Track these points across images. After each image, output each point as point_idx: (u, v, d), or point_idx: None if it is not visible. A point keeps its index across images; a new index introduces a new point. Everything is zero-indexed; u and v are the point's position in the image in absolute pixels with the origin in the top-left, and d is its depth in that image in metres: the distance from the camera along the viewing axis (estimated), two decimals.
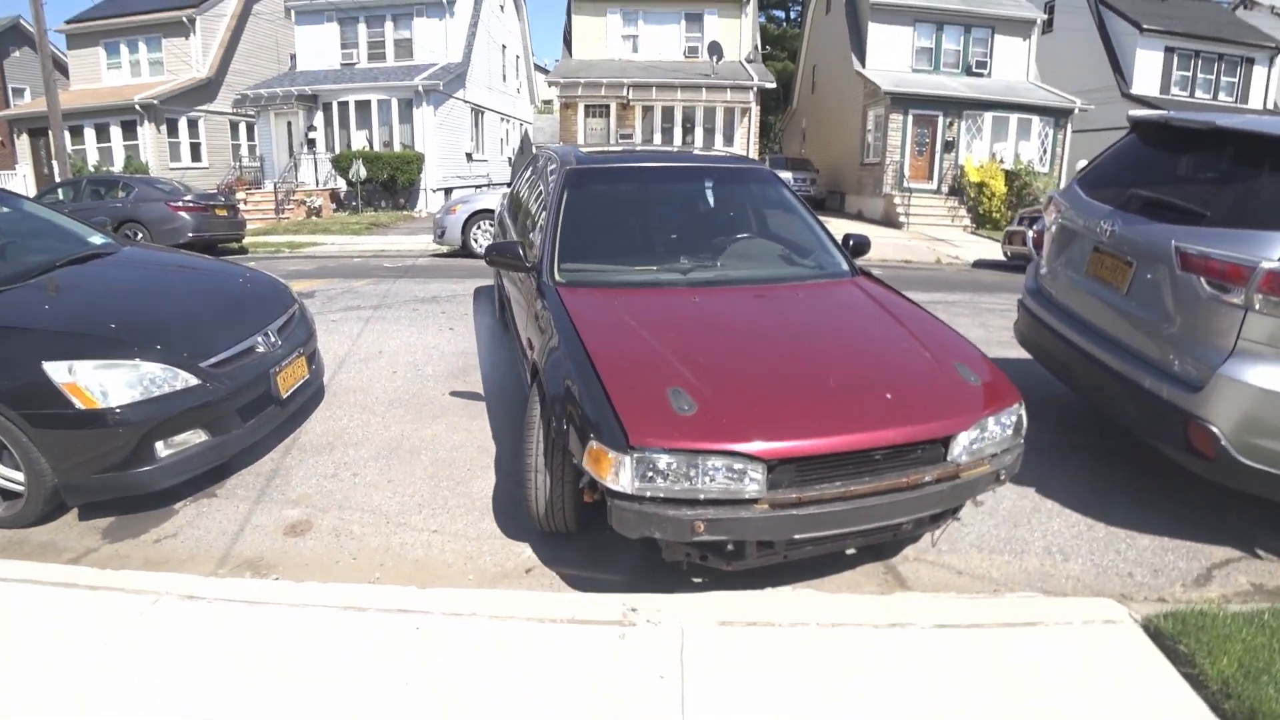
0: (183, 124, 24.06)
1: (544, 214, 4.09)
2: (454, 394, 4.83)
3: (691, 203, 4.65)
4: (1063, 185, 21.34)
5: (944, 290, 9.60)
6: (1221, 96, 24.03)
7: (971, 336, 6.79)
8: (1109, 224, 3.81)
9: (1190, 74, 23.70)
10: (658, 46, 23.11)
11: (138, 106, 22.37)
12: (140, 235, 12.15)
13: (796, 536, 2.55)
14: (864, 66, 22.38)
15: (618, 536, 2.55)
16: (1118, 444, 4.31)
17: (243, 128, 26.27)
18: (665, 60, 22.83)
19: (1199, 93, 23.87)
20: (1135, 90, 23.40)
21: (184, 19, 23.86)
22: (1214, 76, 23.88)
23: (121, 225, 11.77)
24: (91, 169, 21.36)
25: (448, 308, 7.28)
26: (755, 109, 21.70)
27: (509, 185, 7.13)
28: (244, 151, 26.21)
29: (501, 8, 27.36)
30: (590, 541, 3.13)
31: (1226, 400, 3.02)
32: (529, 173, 5.59)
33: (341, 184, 21.27)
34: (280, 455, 3.90)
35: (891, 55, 22.38)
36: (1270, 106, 24.34)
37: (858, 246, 4.23)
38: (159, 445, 3.19)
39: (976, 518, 3.51)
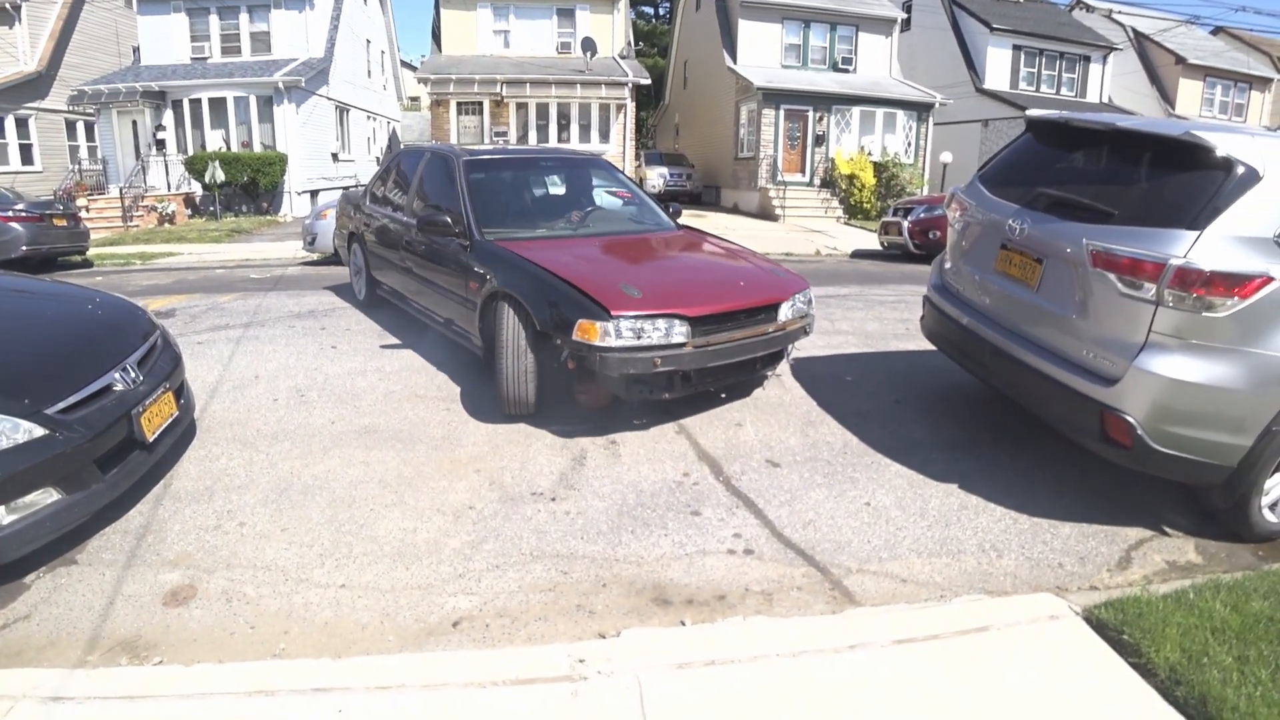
0: (9, 122, 21.64)
1: (441, 196, 5.56)
2: (343, 425, 4.43)
3: (557, 184, 6.32)
4: (926, 175, 22.52)
5: (832, 283, 9.78)
6: (1063, 91, 25.90)
7: (867, 330, 7.01)
8: (1018, 222, 3.88)
9: (1036, 70, 25.41)
10: (530, 42, 22.67)
11: None
12: None
13: (708, 365, 4.11)
14: (735, 62, 22.74)
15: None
16: (1026, 432, 4.43)
17: (81, 127, 23.94)
18: (539, 56, 22.43)
19: (1044, 88, 25.62)
20: (988, 85, 24.87)
21: (6, 5, 21.42)
22: (1056, 73, 25.70)
23: None
24: None
25: (327, 322, 6.73)
26: (630, 105, 21.65)
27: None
28: (84, 154, 23.88)
29: (365, 1, 26.14)
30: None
31: (1141, 391, 3.10)
32: (399, 165, 6.79)
33: (197, 188, 19.73)
34: (151, 506, 3.41)
35: (762, 51, 22.86)
36: (1105, 100, 26.43)
37: (677, 211, 6.11)
38: (0, 510, 2.70)
39: (909, 521, 3.49)
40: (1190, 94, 28.95)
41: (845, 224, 20.29)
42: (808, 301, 4.66)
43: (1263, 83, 30.84)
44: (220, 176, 18.48)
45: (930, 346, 6.22)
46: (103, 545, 3.14)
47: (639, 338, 3.88)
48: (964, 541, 3.38)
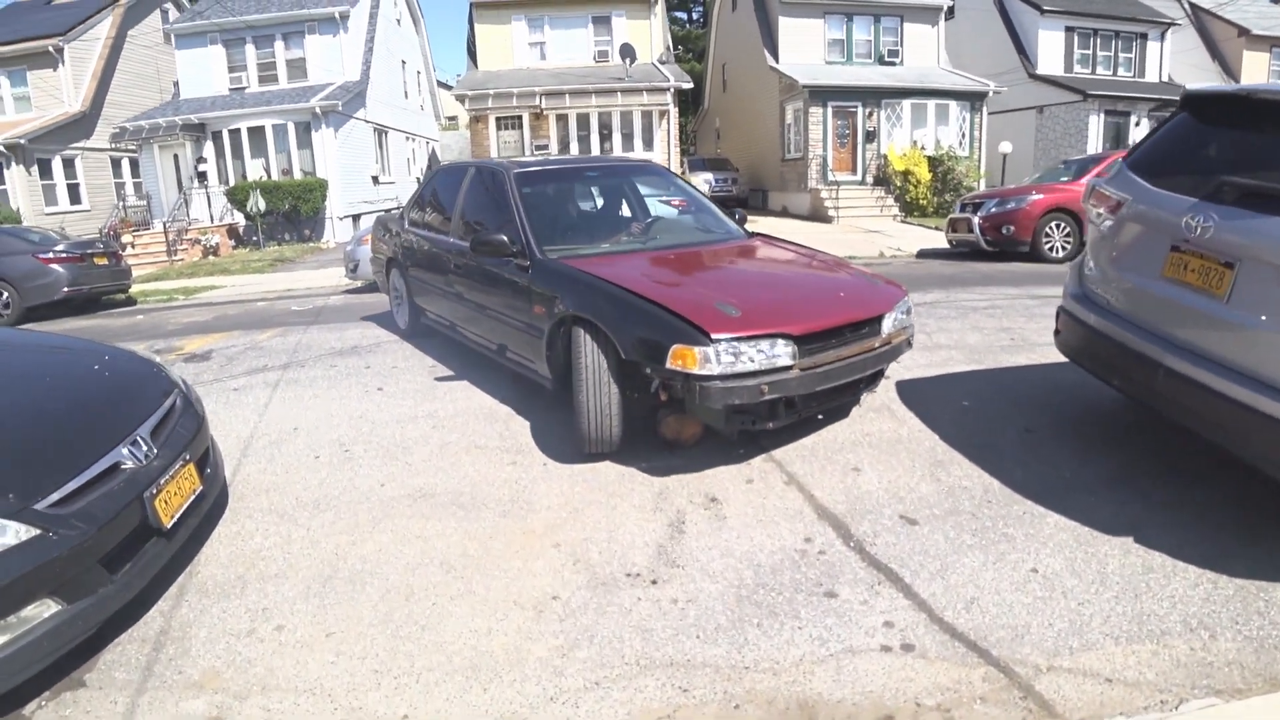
0: (57, 164, 21.93)
1: (490, 214, 5.18)
2: (394, 487, 3.84)
3: (612, 194, 5.87)
4: (983, 167, 21.50)
5: (912, 289, 9.00)
6: (1120, 72, 24.65)
7: (969, 343, 6.23)
8: (1197, 219, 3.14)
9: (1090, 52, 24.21)
10: (567, 52, 22.26)
11: (3, 148, 20.23)
12: (5, 296, 10.58)
13: (817, 389, 3.65)
14: (778, 61, 22.05)
15: None
16: (1191, 464, 3.67)
17: (125, 164, 24.19)
18: (576, 66, 21.98)
19: (1099, 69, 24.40)
20: (1040, 70, 23.77)
21: (50, 49, 21.76)
22: (1112, 53, 24.46)
23: None
24: None
25: (372, 360, 6.19)
26: (673, 111, 21.06)
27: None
28: (129, 190, 24.13)
29: (398, 21, 26.04)
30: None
31: None
32: (437, 185, 6.32)
33: (239, 218, 19.65)
34: (172, 604, 2.84)
35: (804, 48, 22.13)
36: (1165, 79, 25.08)
37: (743, 218, 5.64)
38: None
39: (1090, 593, 2.78)
40: (1256, 66, 27.36)
41: (902, 222, 19.39)
42: (908, 311, 4.21)
43: None
44: (261, 205, 18.33)
45: (1045, 360, 5.52)
46: (116, 660, 2.57)
47: (741, 362, 3.44)
48: (1164, 618, 2.65)
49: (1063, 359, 5.48)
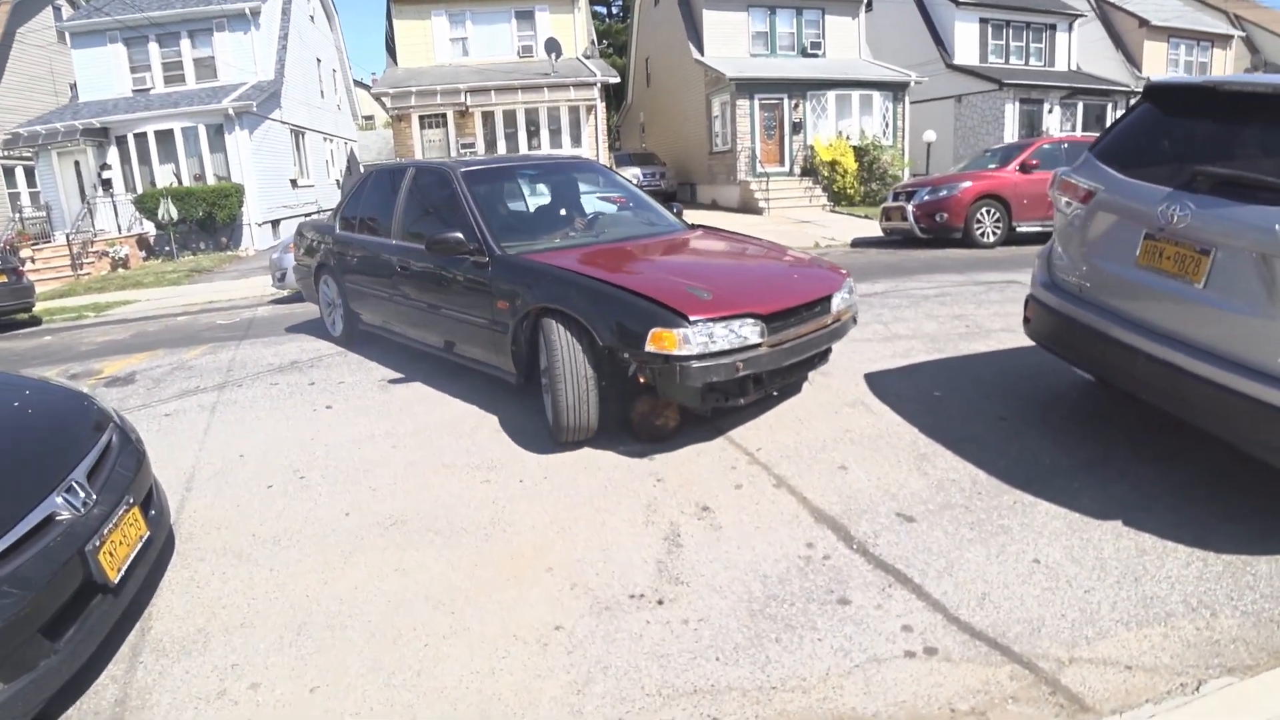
0: None
1: (437, 215, 5.18)
2: (361, 516, 3.56)
3: (556, 191, 5.91)
4: (907, 156, 21.96)
5: (858, 279, 9.05)
6: (1032, 62, 25.54)
7: (927, 331, 6.24)
8: (1173, 208, 3.16)
9: (1004, 42, 25.00)
10: (490, 48, 21.80)
11: None
12: None
13: (783, 365, 3.84)
14: (703, 54, 22.07)
15: None
16: (1163, 442, 3.74)
17: (20, 173, 22.66)
18: (500, 62, 21.56)
19: (1013, 59, 25.23)
20: (958, 61, 24.43)
21: None
22: (1024, 44, 25.32)
23: None
24: None
25: (315, 375, 5.81)
26: (600, 106, 20.86)
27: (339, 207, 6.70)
28: (25, 200, 22.57)
29: (312, 18, 25.09)
30: None
31: None
32: (370, 187, 6.23)
33: (150, 228, 18.59)
34: (126, 667, 2.53)
35: (729, 42, 22.20)
36: (1074, 68, 26.10)
37: (680, 212, 5.81)
38: None
39: (1093, 580, 2.76)
40: (1155, 56, 28.73)
41: (831, 211, 19.65)
42: (851, 291, 4.47)
43: (1224, 40, 30.74)
44: (173, 213, 17.37)
45: (1003, 346, 5.56)
46: None
47: (716, 342, 3.61)
48: (1166, 600, 2.66)
49: (1019, 345, 5.59)
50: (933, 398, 4.57)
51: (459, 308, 4.79)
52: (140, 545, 2.70)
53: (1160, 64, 28.66)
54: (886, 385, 4.81)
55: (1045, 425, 4.16)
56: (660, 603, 2.70)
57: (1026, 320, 4.22)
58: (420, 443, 4.23)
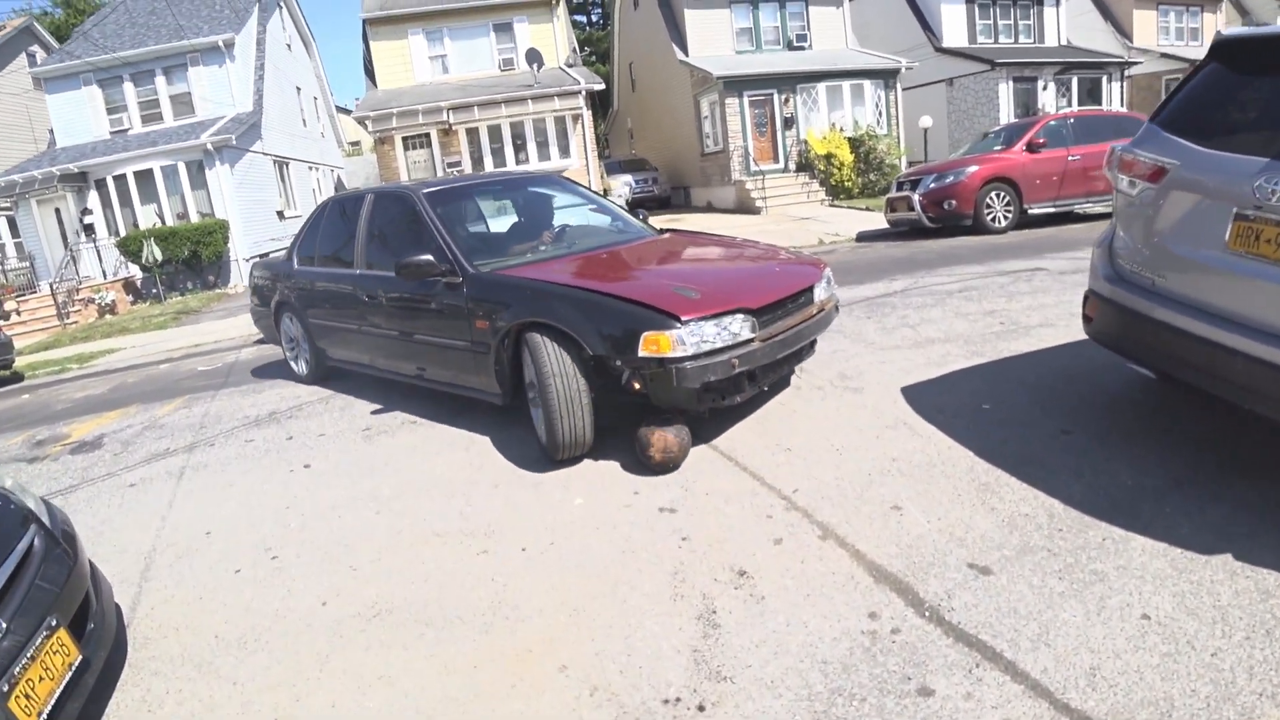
0: None
1: (402, 240, 5.02)
2: (342, 605, 3.06)
3: (521, 207, 5.84)
4: (903, 144, 21.46)
5: (873, 277, 8.56)
6: (1022, 39, 25.07)
7: (959, 332, 5.70)
8: (1273, 182, 2.65)
9: (992, 22, 24.53)
10: (470, 64, 21.36)
11: None
12: None
13: (776, 359, 3.85)
14: (687, 55, 21.64)
15: None
16: (1250, 453, 3.23)
17: (2, 223, 22.23)
18: (481, 76, 21.13)
19: (1002, 38, 24.75)
20: (947, 44, 23.98)
21: None
22: (1012, 21, 24.83)
23: None
24: None
25: (294, 427, 5.30)
26: (587, 114, 20.39)
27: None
28: (9, 251, 22.15)
29: (289, 46, 24.70)
30: None
31: None
32: (327, 218, 6.06)
33: (136, 271, 18.15)
34: None
35: (713, 40, 21.77)
36: (1064, 42, 25.61)
37: (645, 217, 5.75)
38: None
39: (1217, 638, 2.26)
40: (1146, 24, 28.31)
41: (831, 206, 19.17)
42: (830, 281, 4.50)
43: (1213, 3, 30.30)
44: (158, 255, 16.94)
45: (1044, 345, 5.05)
46: None
47: (710, 340, 3.56)
48: None
49: (1061, 342, 5.09)
50: (982, 412, 4.06)
51: (434, 332, 4.68)
52: (70, 674, 2.22)
53: (1151, 32, 28.22)
54: (927, 400, 4.30)
55: (1114, 437, 3.65)
56: (701, 709, 2.19)
57: (1087, 319, 3.71)
58: (406, 505, 3.71)
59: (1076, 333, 5.24)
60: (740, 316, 3.67)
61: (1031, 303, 6.22)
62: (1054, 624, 2.43)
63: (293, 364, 6.68)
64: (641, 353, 3.54)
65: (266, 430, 5.27)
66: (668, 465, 3.70)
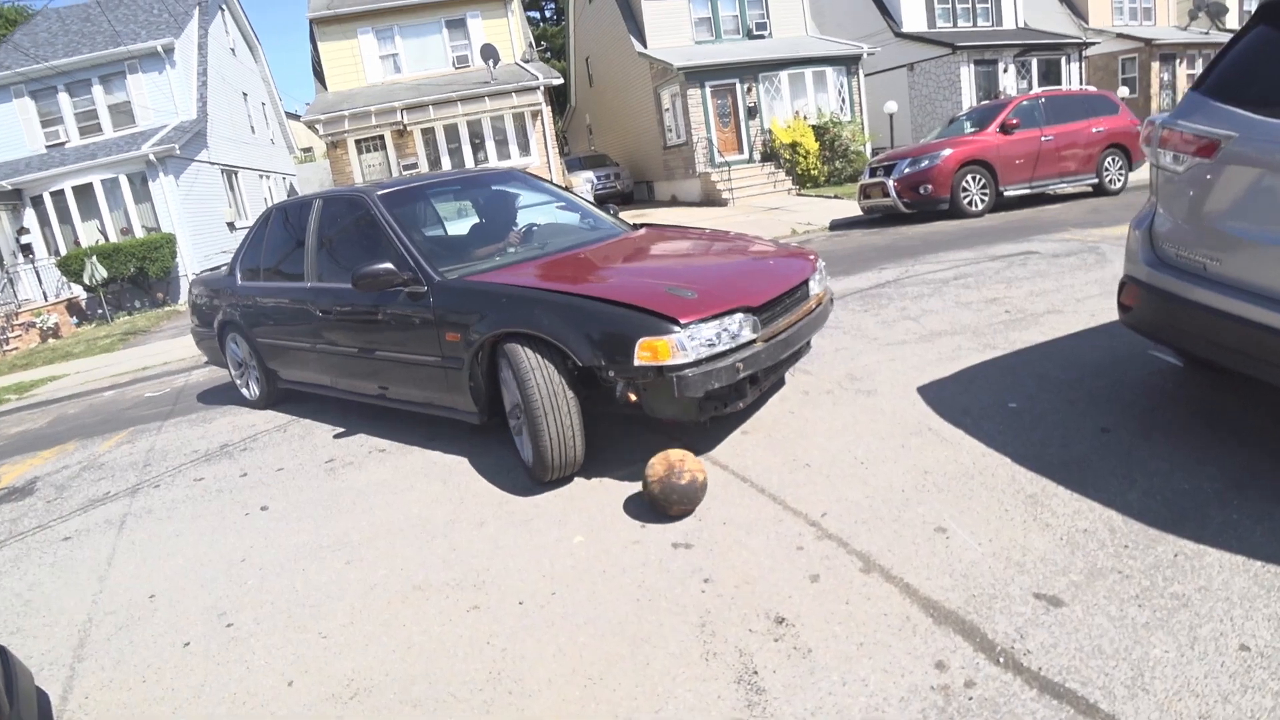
0: None
1: (357, 248, 4.61)
2: (311, 684, 2.62)
3: (483, 206, 5.46)
4: (867, 130, 21.29)
5: (860, 267, 8.24)
6: (980, 22, 25.02)
7: (965, 323, 5.33)
8: None
9: (950, 5, 24.45)
10: (423, 62, 20.74)
11: None
12: None
13: (779, 359, 3.57)
14: (646, 47, 21.24)
15: None
16: None
17: None
18: (435, 75, 20.54)
19: (960, 22, 24.67)
20: (906, 29, 23.86)
21: None
22: (970, 4, 24.78)
23: None
24: None
25: (248, 462, 4.75)
26: (546, 110, 19.90)
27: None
28: None
29: (233, 50, 23.81)
30: None
31: None
32: (270, 228, 5.63)
33: (79, 291, 17.28)
34: None
35: (671, 31, 21.39)
36: (1021, 25, 25.65)
37: (616, 212, 5.43)
38: None
39: None
40: (1100, 5, 28.43)
41: (798, 195, 18.91)
42: (823, 272, 4.25)
43: None
44: (101, 273, 16.12)
45: (1058, 333, 4.74)
46: None
47: (710, 345, 3.25)
48: None
49: (1072, 330, 4.79)
50: (1009, 411, 3.73)
51: (398, 348, 4.31)
52: None
53: (1106, 13, 28.38)
54: (949, 400, 3.96)
55: (1156, 433, 3.34)
56: None
57: (1125, 308, 3.39)
58: (380, 553, 3.24)
59: (1087, 320, 4.96)
60: (741, 316, 3.37)
61: (1032, 288, 5.93)
62: (1146, 664, 2.09)
63: (242, 389, 6.21)
64: (637, 361, 3.21)
65: (217, 466, 4.75)
66: (689, 513, 3.22)
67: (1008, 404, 3.81)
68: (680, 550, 2.89)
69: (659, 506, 3.13)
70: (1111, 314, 4.98)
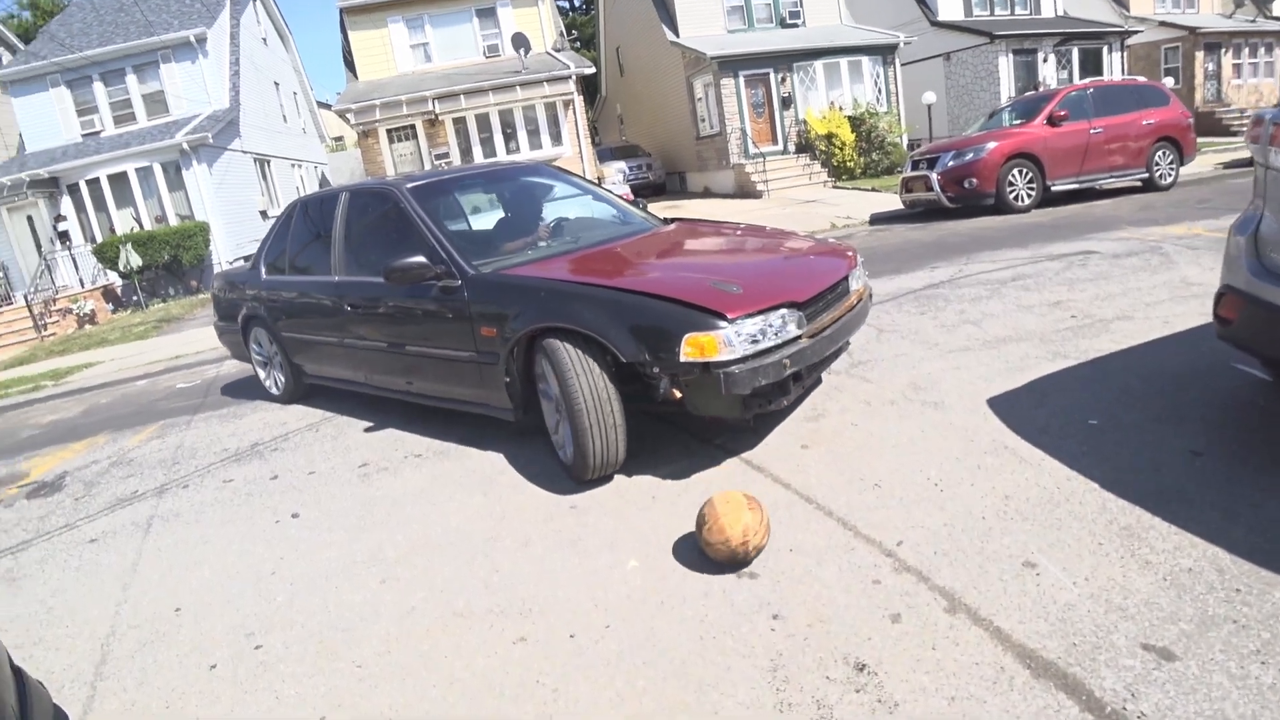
0: None
1: (386, 242, 4.49)
2: None
3: (511, 200, 5.31)
4: (903, 121, 20.79)
5: (908, 266, 7.94)
6: (1018, 10, 24.39)
7: (1030, 329, 4.99)
8: None
9: None
10: (454, 51, 20.59)
11: None
12: None
13: (825, 355, 3.47)
14: (678, 36, 20.93)
15: None
16: None
17: None
18: (466, 64, 20.37)
19: (998, 10, 24.06)
20: (943, 17, 23.32)
21: None
22: None
23: None
24: None
25: (279, 463, 4.59)
26: (578, 100, 19.67)
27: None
28: None
29: (264, 40, 23.83)
30: None
31: None
32: (295, 222, 5.54)
33: (115, 278, 17.39)
34: None
35: (703, 20, 21.06)
36: (1060, 13, 24.96)
37: (644, 206, 5.37)
38: None
39: None
40: None
41: (834, 188, 18.53)
42: (862, 267, 4.15)
43: None
44: (136, 261, 16.19)
45: (1132, 342, 4.43)
46: None
47: (759, 340, 3.19)
48: None
49: (1148, 339, 4.47)
50: (1091, 429, 3.45)
51: (430, 342, 4.22)
52: None
53: (1148, 0, 27.56)
54: (1022, 414, 3.68)
55: (1254, 456, 3.06)
56: None
57: (1223, 321, 3.10)
58: (417, 572, 3.05)
59: (1161, 328, 4.66)
60: (786, 311, 3.30)
61: (1097, 291, 5.61)
62: None
63: (267, 383, 6.14)
64: (683, 357, 3.15)
65: (248, 467, 4.60)
66: (746, 559, 2.73)
67: (1088, 420, 3.53)
68: (745, 580, 2.66)
69: (716, 551, 2.74)
70: (1186, 321, 4.68)
